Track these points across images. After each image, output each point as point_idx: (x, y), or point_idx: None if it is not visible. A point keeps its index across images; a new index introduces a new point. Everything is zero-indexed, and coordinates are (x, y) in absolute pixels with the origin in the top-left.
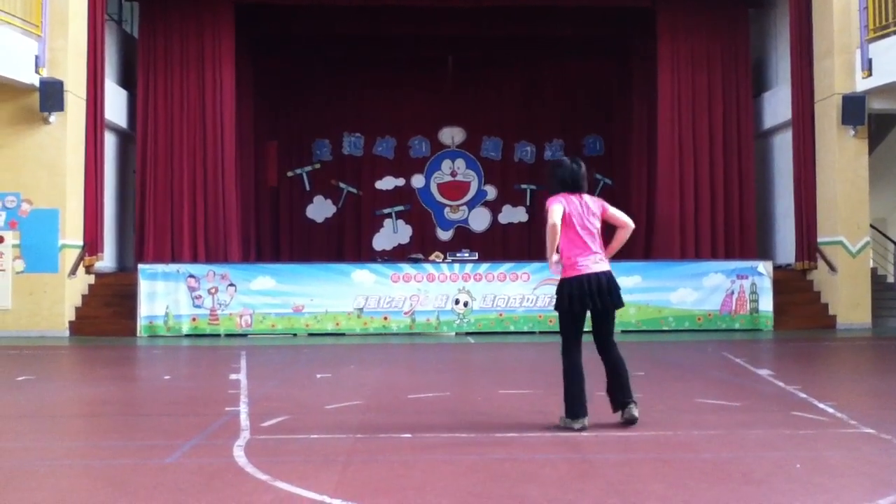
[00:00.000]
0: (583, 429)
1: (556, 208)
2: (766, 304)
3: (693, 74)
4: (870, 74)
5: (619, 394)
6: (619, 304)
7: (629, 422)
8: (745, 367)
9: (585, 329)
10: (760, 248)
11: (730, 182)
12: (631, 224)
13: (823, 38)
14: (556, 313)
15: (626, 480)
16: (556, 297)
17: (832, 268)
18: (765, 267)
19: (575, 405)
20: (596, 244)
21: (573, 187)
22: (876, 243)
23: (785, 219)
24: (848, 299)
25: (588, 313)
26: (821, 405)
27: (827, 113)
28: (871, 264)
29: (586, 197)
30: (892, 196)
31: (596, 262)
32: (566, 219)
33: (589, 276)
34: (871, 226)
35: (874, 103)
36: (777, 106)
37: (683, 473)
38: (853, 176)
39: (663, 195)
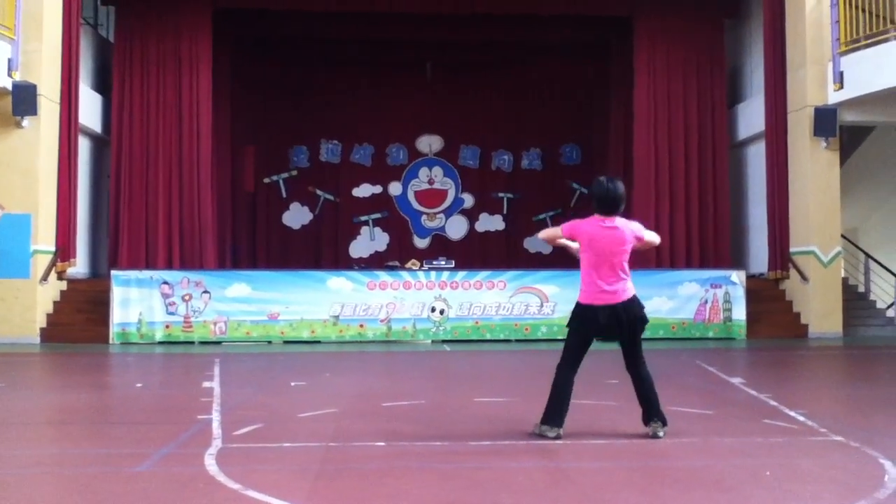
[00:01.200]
0: (557, 437)
1: (565, 226)
2: (740, 312)
3: (669, 84)
4: (841, 87)
5: (644, 410)
6: (637, 329)
7: (653, 437)
8: (718, 376)
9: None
10: (734, 257)
11: (704, 191)
12: (657, 241)
13: (796, 50)
14: (536, 322)
15: (599, 488)
16: (570, 315)
17: (804, 277)
18: (738, 276)
19: (554, 414)
20: (617, 271)
21: (607, 208)
22: (847, 253)
23: (758, 228)
24: (820, 309)
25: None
26: (792, 413)
27: (800, 124)
28: (843, 274)
29: (622, 222)
30: (864, 207)
31: (614, 293)
32: (587, 243)
33: (603, 306)
34: (843, 236)
35: (846, 115)
36: (751, 117)
37: (656, 481)
38: (825, 187)
39: (639, 204)
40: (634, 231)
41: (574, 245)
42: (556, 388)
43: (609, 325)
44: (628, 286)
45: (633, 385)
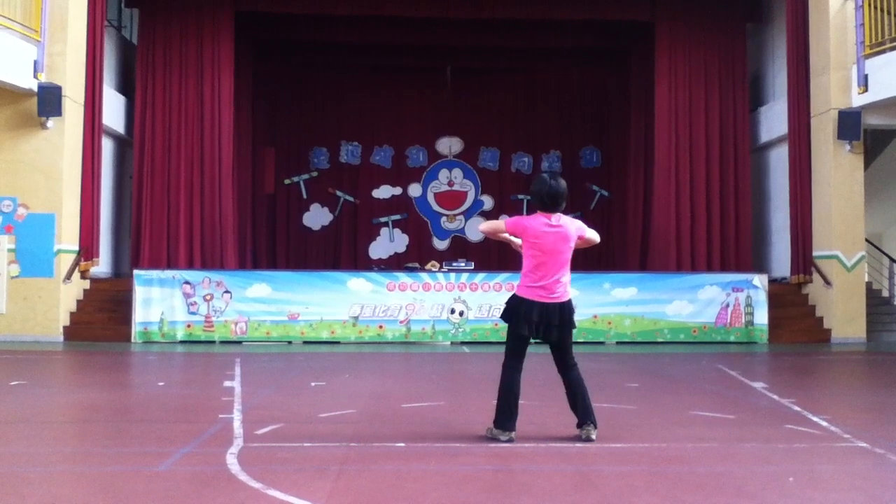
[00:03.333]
0: (510, 441)
1: (508, 221)
2: (762, 317)
3: (690, 87)
4: (866, 90)
5: (578, 413)
6: (568, 331)
7: (585, 440)
8: (740, 380)
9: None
10: (756, 261)
11: (726, 195)
12: (596, 240)
13: (820, 53)
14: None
15: (619, 493)
16: (504, 306)
17: (827, 282)
18: (760, 280)
19: (504, 418)
20: (559, 271)
21: (550, 205)
22: (871, 258)
23: (780, 232)
24: (843, 314)
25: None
26: (815, 419)
27: (823, 128)
28: (867, 279)
29: (563, 218)
30: (888, 211)
31: (553, 292)
32: (532, 242)
33: (540, 304)
34: (867, 241)
35: (870, 119)
36: (773, 120)
37: (677, 486)
38: (849, 191)
39: (660, 207)
40: (577, 229)
41: (516, 241)
42: (501, 392)
43: (543, 322)
44: (568, 287)
45: (564, 388)
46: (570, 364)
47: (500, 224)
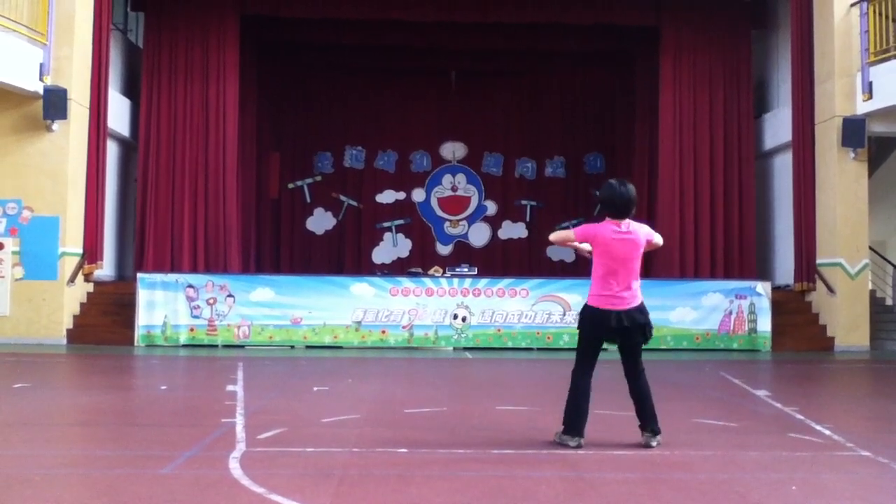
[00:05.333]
0: (578, 447)
1: (578, 230)
2: (765, 324)
3: (695, 93)
4: (870, 97)
5: (642, 420)
6: (644, 340)
7: (645, 446)
8: (743, 388)
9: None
10: (759, 268)
11: (730, 202)
12: (660, 243)
13: (825, 60)
14: (559, 330)
15: (622, 499)
16: (578, 317)
17: (831, 289)
18: (763, 287)
19: (573, 423)
20: (630, 277)
21: (619, 212)
22: (875, 266)
23: (784, 240)
24: (846, 321)
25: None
26: (818, 427)
27: (827, 135)
28: (870, 287)
29: (633, 225)
30: (892, 219)
31: (625, 298)
32: (603, 250)
33: (611, 311)
34: (871, 248)
35: (874, 126)
36: (778, 127)
37: (680, 493)
38: (853, 198)
39: (664, 213)
40: (646, 234)
41: (586, 247)
42: (573, 396)
43: (618, 329)
44: (638, 292)
45: (629, 393)
46: (639, 370)
47: (568, 233)
